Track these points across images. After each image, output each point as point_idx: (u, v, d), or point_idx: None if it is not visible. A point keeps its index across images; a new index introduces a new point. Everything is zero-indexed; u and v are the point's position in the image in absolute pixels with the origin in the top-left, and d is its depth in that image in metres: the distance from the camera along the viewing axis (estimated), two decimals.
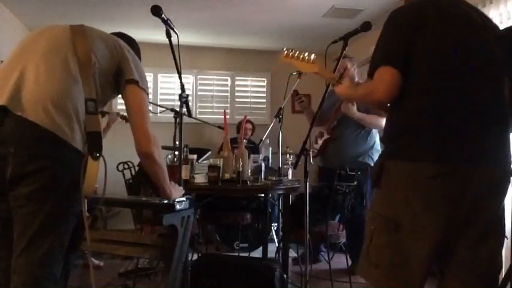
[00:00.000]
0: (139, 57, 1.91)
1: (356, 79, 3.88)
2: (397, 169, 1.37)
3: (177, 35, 2.01)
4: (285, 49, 1.90)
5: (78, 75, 1.48)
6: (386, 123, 1.52)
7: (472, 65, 1.38)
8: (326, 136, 3.72)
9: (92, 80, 1.50)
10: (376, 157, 3.65)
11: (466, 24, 1.43)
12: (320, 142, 3.79)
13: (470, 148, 1.34)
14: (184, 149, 2.53)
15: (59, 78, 1.45)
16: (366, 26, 2.15)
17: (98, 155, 1.45)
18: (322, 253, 3.93)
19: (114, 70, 1.58)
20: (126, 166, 3.17)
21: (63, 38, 1.54)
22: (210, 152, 4.07)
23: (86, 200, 1.46)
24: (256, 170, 2.60)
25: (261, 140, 3.13)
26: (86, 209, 1.46)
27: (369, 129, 3.64)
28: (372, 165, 3.73)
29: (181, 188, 1.90)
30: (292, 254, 3.65)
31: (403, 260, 1.35)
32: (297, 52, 1.85)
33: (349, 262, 3.40)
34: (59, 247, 1.44)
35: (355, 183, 3.11)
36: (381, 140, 1.51)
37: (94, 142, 1.46)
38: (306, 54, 1.83)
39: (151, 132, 1.60)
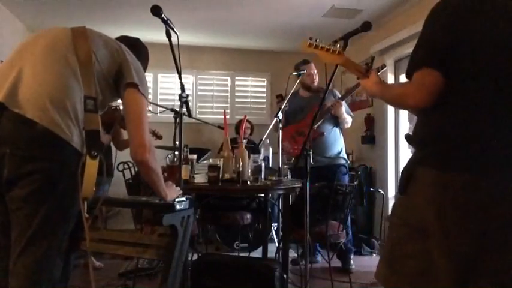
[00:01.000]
0: (147, 58, 1.90)
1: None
2: (427, 177, 1.28)
3: (177, 35, 2.02)
4: (306, 39, 1.74)
5: (78, 73, 1.46)
6: (418, 127, 1.40)
7: None
8: (312, 135, 3.73)
9: (92, 79, 1.48)
10: (345, 156, 3.94)
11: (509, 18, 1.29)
12: (296, 143, 3.85)
13: (507, 160, 1.24)
14: (184, 149, 2.53)
15: (57, 75, 1.44)
16: (366, 26, 2.14)
17: (95, 153, 1.43)
18: (318, 253, 3.93)
19: (114, 73, 1.57)
20: (126, 166, 3.17)
21: (64, 38, 1.53)
22: (210, 152, 4.07)
23: (85, 202, 1.44)
24: (256, 170, 2.60)
25: (261, 140, 3.12)
26: (86, 210, 1.44)
27: (340, 127, 3.89)
28: (348, 161, 3.95)
29: (179, 188, 1.89)
30: (292, 254, 3.66)
31: (428, 270, 1.28)
32: (321, 41, 1.69)
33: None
34: (57, 250, 1.43)
35: (356, 182, 3.11)
36: (406, 138, 1.43)
37: (92, 140, 1.44)
38: (331, 43, 1.68)
39: (148, 139, 1.58)
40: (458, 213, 1.24)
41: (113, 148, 3.61)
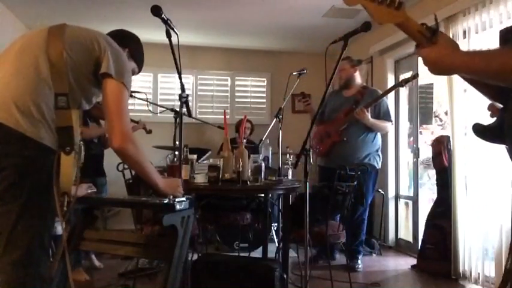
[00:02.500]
0: (141, 53, 1.90)
1: (359, 81, 3.92)
2: None
3: (177, 35, 2.01)
4: None
5: (48, 72, 1.48)
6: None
7: None
8: (333, 138, 3.79)
9: (63, 76, 1.49)
10: (376, 161, 3.81)
11: None
12: (322, 143, 3.85)
13: None
14: (184, 149, 2.53)
15: (23, 77, 1.47)
16: (366, 26, 2.14)
17: (69, 149, 1.45)
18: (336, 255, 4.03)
19: (92, 66, 1.57)
20: (126, 166, 3.17)
21: (38, 38, 1.56)
22: (210, 152, 4.07)
23: (65, 197, 1.44)
24: (256, 170, 2.60)
25: (261, 140, 3.12)
26: (65, 205, 1.45)
27: (375, 133, 3.78)
28: (377, 166, 3.81)
29: (179, 180, 1.89)
30: (292, 254, 3.65)
31: None
32: None
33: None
34: (39, 246, 1.44)
35: (355, 183, 3.11)
36: (476, 130, 1.22)
37: (64, 137, 1.46)
38: None
39: (127, 128, 1.57)
40: None
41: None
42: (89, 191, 1.99)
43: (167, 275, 1.73)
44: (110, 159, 3.44)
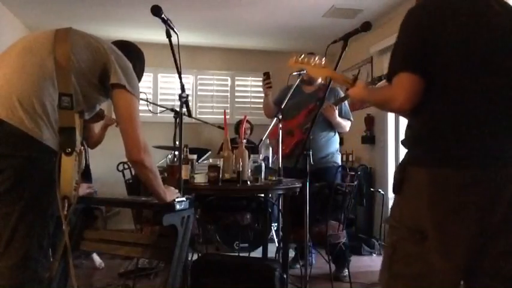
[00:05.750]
0: (142, 65, 1.90)
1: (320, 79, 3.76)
2: (420, 176, 1.28)
3: (177, 35, 2.01)
4: (292, 55, 1.83)
5: (54, 73, 1.47)
6: (408, 127, 1.43)
7: (494, 61, 1.30)
8: (297, 137, 3.61)
9: (69, 78, 1.49)
10: (338, 159, 3.69)
11: (483, 15, 1.33)
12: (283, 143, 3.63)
13: (500, 150, 1.25)
14: (184, 149, 2.53)
15: (28, 75, 1.45)
16: (366, 26, 2.14)
17: (70, 150, 1.43)
18: (313, 254, 3.82)
19: (98, 72, 1.56)
20: (126, 166, 3.17)
21: (43, 40, 1.55)
22: (210, 152, 4.08)
23: (65, 199, 1.43)
24: (256, 170, 2.60)
25: (261, 140, 3.12)
26: (66, 208, 1.43)
27: (335, 131, 3.68)
28: (339, 163, 3.69)
29: (177, 190, 1.89)
30: (292, 254, 3.65)
31: (427, 272, 1.28)
32: (306, 57, 1.77)
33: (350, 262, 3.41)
34: (38, 249, 1.42)
35: (354, 184, 3.11)
36: (402, 143, 1.44)
37: (66, 138, 1.45)
38: (317, 58, 1.73)
39: (142, 138, 1.58)
40: (452, 210, 1.23)
41: (111, 148, 3.61)
42: (88, 190, 1.99)
43: (167, 275, 1.73)
44: (110, 159, 3.46)
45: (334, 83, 2.44)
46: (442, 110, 1.30)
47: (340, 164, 3.70)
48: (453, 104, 1.29)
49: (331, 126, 3.63)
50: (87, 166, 3.56)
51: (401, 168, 1.36)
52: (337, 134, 3.74)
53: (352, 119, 3.79)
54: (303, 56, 1.78)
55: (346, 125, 3.68)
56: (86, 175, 3.54)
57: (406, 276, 1.32)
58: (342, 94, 3.75)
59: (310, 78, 3.66)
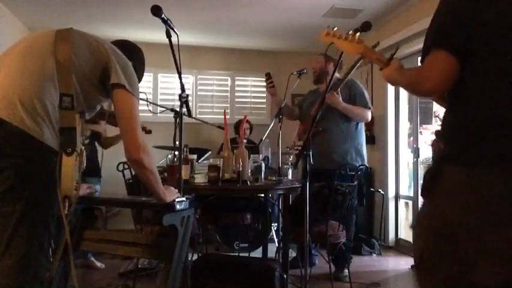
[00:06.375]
0: (142, 65, 1.90)
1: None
2: (456, 176, 1.13)
3: (177, 35, 2.01)
4: (326, 28, 1.65)
5: (55, 73, 1.47)
6: (444, 119, 1.26)
7: None
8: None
9: (70, 78, 1.49)
10: (355, 158, 3.46)
11: None
12: (300, 141, 3.56)
13: None
14: (184, 149, 2.53)
15: (29, 75, 1.46)
16: (366, 26, 2.14)
17: (70, 150, 1.44)
18: (314, 256, 3.81)
19: (99, 73, 1.57)
20: (126, 166, 3.17)
21: (44, 40, 1.55)
22: (210, 152, 4.07)
23: (66, 199, 1.43)
24: (256, 170, 2.60)
25: (261, 140, 3.12)
26: (66, 208, 1.43)
27: (356, 123, 3.49)
28: (359, 165, 3.40)
29: (176, 190, 1.89)
30: (292, 254, 3.65)
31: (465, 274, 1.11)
32: (339, 30, 1.62)
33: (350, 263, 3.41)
34: (39, 249, 1.42)
35: (356, 183, 3.11)
36: (435, 135, 1.37)
37: (67, 138, 1.45)
38: (350, 32, 1.59)
39: (141, 138, 1.59)
40: (492, 215, 1.08)
41: (111, 148, 3.61)
42: (88, 190, 1.99)
43: (167, 275, 1.73)
44: (110, 160, 3.46)
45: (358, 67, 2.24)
46: (483, 102, 1.14)
47: (356, 164, 3.39)
48: (496, 97, 1.12)
49: (346, 117, 3.44)
50: (97, 164, 3.58)
51: (435, 165, 1.21)
52: (361, 125, 3.52)
53: (370, 106, 3.53)
54: (336, 28, 1.61)
55: (362, 112, 3.43)
56: (95, 173, 3.55)
57: (443, 278, 1.16)
58: (361, 88, 3.54)
59: (321, 75, 3.55)
